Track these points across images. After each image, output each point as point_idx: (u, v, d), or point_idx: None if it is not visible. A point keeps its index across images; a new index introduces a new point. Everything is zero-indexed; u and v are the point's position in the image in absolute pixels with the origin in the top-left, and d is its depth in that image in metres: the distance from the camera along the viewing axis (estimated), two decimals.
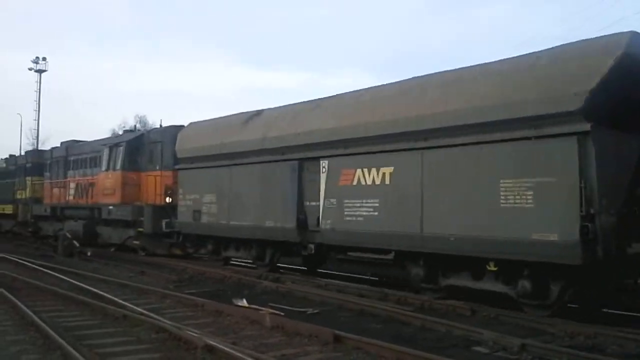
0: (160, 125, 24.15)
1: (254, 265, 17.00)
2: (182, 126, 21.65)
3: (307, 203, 14.43)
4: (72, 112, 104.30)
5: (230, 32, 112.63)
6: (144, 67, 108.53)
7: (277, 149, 15.33)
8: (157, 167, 21.82)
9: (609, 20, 64.40)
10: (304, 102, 15.70)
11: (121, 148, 22.89)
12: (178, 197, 19.29)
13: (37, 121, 60.86)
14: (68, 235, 23.43)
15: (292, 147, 14.83)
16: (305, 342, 8.13)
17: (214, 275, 15.99)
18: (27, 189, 32.10)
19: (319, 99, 15.15)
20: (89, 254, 21.86)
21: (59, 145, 30.71)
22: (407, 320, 9.88)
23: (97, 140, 26.65)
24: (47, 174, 30.38)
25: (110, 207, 22.86)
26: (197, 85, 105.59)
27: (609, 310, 10.41)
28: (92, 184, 25.33)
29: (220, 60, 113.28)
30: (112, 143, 23.62)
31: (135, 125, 41.42)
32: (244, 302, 11.19)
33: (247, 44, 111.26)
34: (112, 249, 23.66)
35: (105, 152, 23.73)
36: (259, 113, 17.03)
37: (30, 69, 60.46)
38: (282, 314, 10.09)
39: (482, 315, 10.22)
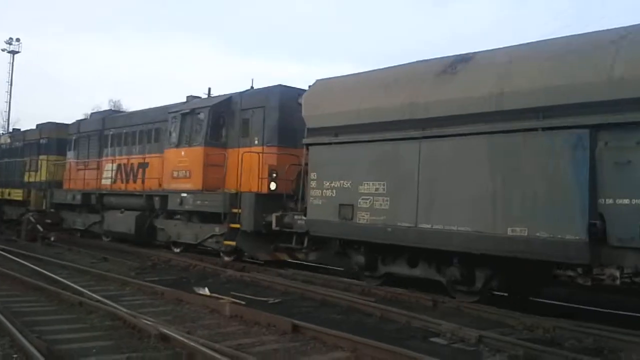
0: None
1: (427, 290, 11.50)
2: (293, 87, 15.88)
3: (608, 201, 8.71)
4: (44, 95, 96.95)
5: (211, 16, 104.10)
6: (119, 52, 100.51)
7: (532, 111, 9.60)
8: (256, 142, 15.93)
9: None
10: (594, 32, 9.83)
11: (202, 116, 16.96)
12: (308, 185, 13.42)
13: (8, 103, 59.55)
14: (32, 219, 22.44)
15: (574, 107, 9.10)
16: (263, 332, 8.10)
17: (179, 263, 15.83)
18: (42, 170, 25.86)
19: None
20: (52, 239, 21.28)
21: (88, 117, 24.57)
22: (368, 310, 9.89)
23: (154, 108, 20.61)
24: (71, 152, 24.28)
25: (184, 195, 16.94)
26: (189, 72, 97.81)
27: (542, 300, 11.13)
28: (145, 165, 19.36)
29: (202, 46, 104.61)
30: (185, 110, 17.56)
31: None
32: (206, 291, 11.10)
33: (229, 30, 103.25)
34: (177, 250, 17.73)
35: (175, 122, 17.75)
36: (465, 59, 11.20)
37: (3, 50, 59.43)
38: (243, 303, 9.96)
39: (444, 306, 10.38)
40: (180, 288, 11.29)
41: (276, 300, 10.68)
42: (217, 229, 16.27)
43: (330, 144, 12.99)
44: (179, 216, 18.11)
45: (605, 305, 10.72)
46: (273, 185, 15.46)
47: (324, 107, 13.24)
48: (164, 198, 17.93)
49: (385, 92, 12.01)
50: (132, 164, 20.48)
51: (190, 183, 16.96)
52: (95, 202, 21.53)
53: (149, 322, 7.94)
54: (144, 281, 12.05)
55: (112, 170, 21.46)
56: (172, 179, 17.61)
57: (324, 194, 12.95)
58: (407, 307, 10.14)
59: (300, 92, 16.25)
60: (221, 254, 16.53)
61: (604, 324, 8.69)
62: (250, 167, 15.53)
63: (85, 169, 22.69)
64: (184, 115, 17.48)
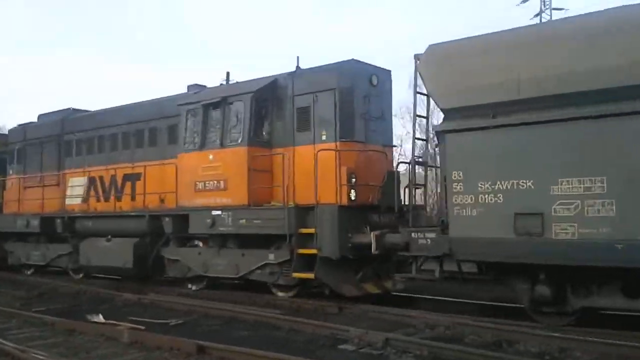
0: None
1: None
2: (365, 63, 12.07)
3: None
4: None
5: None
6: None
7: None
8: (324, 137, 11.85)
9: None
10: None
11: (240, 105, 12.58)
12: (448, 189, 9.53)
13: None
14: None
15: None
16: (165, 356, 7.70)
17: (67, 290, 14.36)
18: None
19: None
20: None
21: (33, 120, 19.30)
22: (276, 323, 9.66)
23: (146, 102, 15.88)
24: (14, 165, 18.94)
25: (218, 213, 12.49)
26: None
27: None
28: (136, 176, 14.84)
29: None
30: (211, 99, 13.11)
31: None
32: (100, 318, 10.27)
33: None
34: (195, 287, 13.31)
35: (194, 116, 13.30)
36: None
37: None
38: (143, 327, 9.35)
39: (349, 312, 10.51)
40: (72, 317, 10.45)
41: (179, 322, 10.17)
42: (272, 256, 11.97)
43: (487, 128, 9.14)
44: (197, 242, 13.62)
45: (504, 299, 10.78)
46: (353, 194, 11.43)
47: (469, 78, 9.41)
48: (180, 219, 13.37)
49: (590, 48, 8.34)
50: (113, 176, 15.66)
51: (227, 196, 12.52)
52: (61, 229, 16.41)
53: (39, 356, 7.56)
54: (32, 312, 11.05)
55: (83, 186, 16.48)
56: (194, 193, 13.07)
57: (480, 201, 9.12)
58: (312, 316, 10.14)
59: (373, 69, 12.48)
60: (273, 290, 12.26)
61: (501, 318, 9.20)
62: (322, 170, 11.43)
63: (39, 186, 17.48)
64: (208, 106, 13.03)
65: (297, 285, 11.95)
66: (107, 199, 15.84)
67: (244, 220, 12.15)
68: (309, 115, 12.08)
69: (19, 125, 19.46)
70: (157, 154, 14.70)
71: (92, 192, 16.24)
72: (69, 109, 18.14)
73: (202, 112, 13.09)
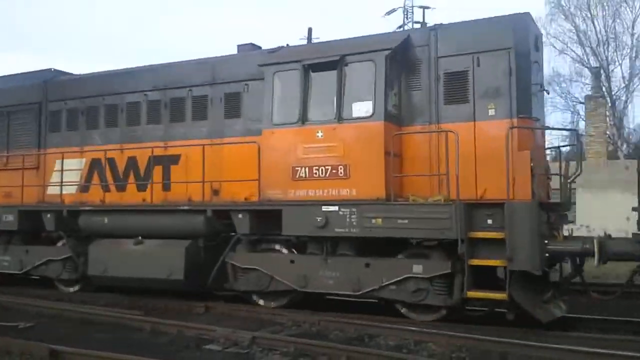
0: None
1: None
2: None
3: None
4: None
5: None
6: None
7: None
8: (492, 112, 9.15)
9: None
10: None
11: (366, 67, 9.50)
12: None
13: None
14: None
15: None
16: None
17: None
18: None
19: None
20: None
21: None
22: (138, 325, 9.25)
23: (184, 62, 12.21)
24: None
25: (333, 210, 9.41)
26: None
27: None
28: (172, 159, 11.48)
29: None
30: (316, 58, 9.87)
31: None
32: None
33: None
34: (272, 305, 10.27)
35: (285, 80, 10.09)
36: None
37: None
38: None
39: (217, 312, 10.29)
40: None
41: (28, 325, 9.41)
42: (418, 268, 9.04)
43: None
44: (278, 246, 10.40)
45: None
46: (538, 187, 8.85)
47: None
48: (261, 215, 10.08)
49: None
50: (131, 158, 11.92)
51: (348, 187, 9.40)
52: (53, 226, 12.35)
53: None
54: None
55: (79, 170, 12.53)
56: (291, 182, 9.80)
57: None
58: (177, 317, 9.78)
59: (537, 29, 10.05)
60: (403, 311, 9.39)
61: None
62: (488, 155, 8.73)
63: (15, 169, 13.21)
64: (314, 68, 9.80)
65: (445, 307, 9.11)
66: (121, 188, 12.04)
67: (378, 220, 9.09)
68: (466, 84, 9.26)
69: None
70: (206, 131, 11.24)
71: (96, 179, 12.34)
72: (49, 69, 13.94)
73: (303, 75, 9.85)
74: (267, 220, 10.16)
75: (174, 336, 8.55)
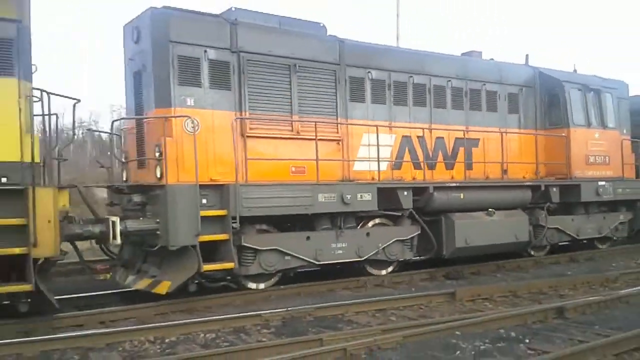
0: None
1: None
2: None
3: None
4: None
5: None
6: None
7: None
8: None
9: None
10: None
11: (609, 97, 15.55)
12: None
13: None
14: None
15: None
16: None
17: None
18: None
19: None
20: None
21: None
22: None
23: (481, 61, 14.12)
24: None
25: (602, 184, 15.13)
26: None
27: None
28: (473, 142, 13.99)
29: None
30: (588, 84, 15.06)
31: None
32: None
33: None
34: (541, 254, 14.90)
35: (574, 94, 14.82)
36: None
37: None
38: None
39: None
40: None
41: None
42: (622, 217, 15.91)
43: None
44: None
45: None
46: None
47: None
48: (568, 189, 14.44)
49: None
50: (439, 138, 13.05)
51: (610, 170, 15.24)
52: (411, 204, 11.71)
53: None
54: None
55: (389, 147, 12.22)
56: (586, 166, 14.70)
57: None
58: None
59: None
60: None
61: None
62: None
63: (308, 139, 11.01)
64: (588, 89, 14.95)
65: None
66: (431, 167, 12.85)
67: (620, 189, 15.38)
68: None
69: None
70: (495, 121, 13.99)
71: (407, 156, 12.50)
72: (230, 9, 10.98)
73: (582, 92, 14.79)
74: (566, 191, 14.40)
75: None
